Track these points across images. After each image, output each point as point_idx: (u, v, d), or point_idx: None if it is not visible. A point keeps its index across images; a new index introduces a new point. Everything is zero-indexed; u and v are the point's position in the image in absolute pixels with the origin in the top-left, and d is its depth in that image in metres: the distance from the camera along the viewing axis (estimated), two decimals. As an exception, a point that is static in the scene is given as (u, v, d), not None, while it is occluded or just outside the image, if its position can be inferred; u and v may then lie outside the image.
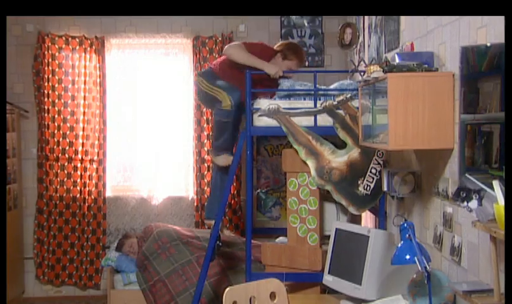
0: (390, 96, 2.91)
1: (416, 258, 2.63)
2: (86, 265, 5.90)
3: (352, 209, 4.08)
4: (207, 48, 5.81)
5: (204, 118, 5.80)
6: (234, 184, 5.77)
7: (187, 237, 5.26)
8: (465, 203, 2.35)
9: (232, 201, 5.84)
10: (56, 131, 5.82)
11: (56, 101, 5.80)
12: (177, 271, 5.11)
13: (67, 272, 5.91)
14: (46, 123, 5.81)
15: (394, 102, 2.92)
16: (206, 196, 5.81)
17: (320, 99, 4.13)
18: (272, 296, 3.12)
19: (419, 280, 2.87)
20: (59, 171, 5.84)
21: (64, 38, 5.81)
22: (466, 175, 2.54)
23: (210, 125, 5.79)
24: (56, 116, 5.81)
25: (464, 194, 2.36)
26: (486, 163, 2.55)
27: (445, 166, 3.02)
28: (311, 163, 4.09)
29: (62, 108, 5.81)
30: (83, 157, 5.84)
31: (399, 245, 2.81)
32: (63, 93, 5.81)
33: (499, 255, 2.32)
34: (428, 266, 2.58)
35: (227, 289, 2.99)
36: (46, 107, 5.80)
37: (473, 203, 2.32)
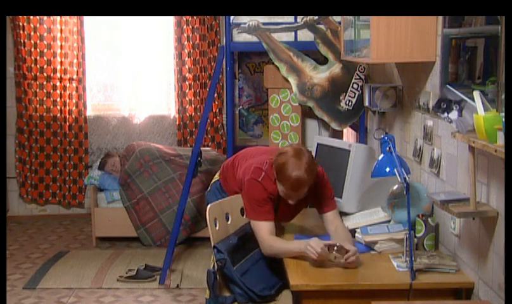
0: (373, 8, 2.86)
1: (395, 170, 2.66)
2: (69, 184, 5.91)
3: (334, 125, 4.11)
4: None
5: (185, 35, 5.69)
6: (216, 102, 5.75)
7: (170, 155, 5.27)
8: (445, 114, 2.36)
9: (214, 119, 5.83)
10: (32, 49, 5.68)
11: (31, 17, 5.62)
12: (160, 189, 5.15)
13: (50, 190, 5.93)
14: (22, 40, 5.66)
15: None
16: (188, 115, 5.79)
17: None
18: (243, 211, 3.14)
19: (398, 192, 2.92)
20: (38, 90, 5.75)
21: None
22: (447, 86, 2.54)
23: (191, 43, 5.69)
24: (32, 33, 5.65)
25: (445, 105, 2.36)
26: (469, 78, 2.54)
27: (426, 79, 3.02)
28: (292, 80, 4.07)
29: (38, 25, 5.64)
30: (62, 76, 5.74)
31: (379, 158, 2.84)
32: (38, 9, 5.64)
33: (477, 165, 2.35)
34: (407, 178, 2.61)
35: (209, 205, 3.01)
36: (21, 23, 5.63)
37: (453, 114, 2.32)
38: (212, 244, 2.90)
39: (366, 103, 3.70)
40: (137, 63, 5.83)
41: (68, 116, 5.80)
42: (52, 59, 5.70)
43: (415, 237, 2.79)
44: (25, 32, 5.65)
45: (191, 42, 5.69)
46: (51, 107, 5.78)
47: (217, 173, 3.43)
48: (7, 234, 5.58)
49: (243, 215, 3.10)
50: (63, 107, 5.79)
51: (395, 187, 2.93)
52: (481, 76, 2.44)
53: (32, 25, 5.64)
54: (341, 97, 4.04)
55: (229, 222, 3.05)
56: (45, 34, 5.67)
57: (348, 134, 4.65)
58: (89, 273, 4.56)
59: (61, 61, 5.72)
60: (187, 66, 5.73)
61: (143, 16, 5.63)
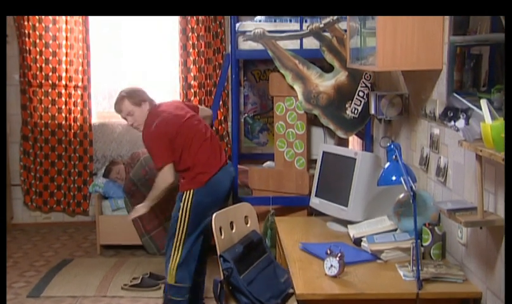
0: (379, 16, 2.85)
1: (401, 179, 2.64)
2: (74, 192, 5.91)
3: (340, 133, 4.09)
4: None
5: (190, 42, 5.69)
6: (221, 110, 5.74)
7: (175, 163, 5.25)
8: (452, 122, 2.34)
9: (219, 127, 5.82)
10: (38, 56, 5.69)
11: (37, 24, 5.64)
12: (165, 196, 5.12)
13: (55, 198, 5.93)
14: (27, 48, 5.68)
15: (383, 22, 2.86)
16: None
17: (306, 22, 4.05)
18: (247, 219, 3.15)
19: (405, 201, 2.89)
20: (43, 97, 5.76)
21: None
22: (454, 94, 2.52)
23: (196, 50, 5.69)
24: (38, 40, 5.67)
25: (452, 114, 2.34)
26: (474, 86, 2.53)
27: (433, 87, 3.00)
28: (298, 88, 4.06)
29: (43, 32, 5.66)
30: (68, 83, 5.75)
31: (385, 166, 2.82)
32: (43, 16, 5.65)
33: (484, 174, 2.33)
34: (413, 186, 2.59)
35: (214, 214, 3.01)
36: (27, 31, 5.65)
37: (460, 122, 2.30)
38: (218, 253, 2.89)
39: (372, 111, 3.68)
40: (142, 71, 5.83)
41: (73, 124, 5.81)
42: (57, 66, 5.71)
43: (422, 246, 2.77)
44: (31, 40, 5.66)
45: (196, 50, 5.69)
46: (56, 114, 5.79)
47: None
48: (11, 241, 5.58)
49: (247, 224, 3.09)
50: (68, 115, 5.79)
51: (401, 195, 2.91)
52: (486, 84, 2.42)
53: (37, 33, 5.65)
54: (346, 105, 4.02)
55: (233, 231, 3.04)
56: (50, 42, 5.68)
57: (354, 142, 4.63)
58: (93, 282, 4.55)
59: (67, 69, 5.73)
60: (192, 74, 5.73)
61: (147, 22, 5.64)
